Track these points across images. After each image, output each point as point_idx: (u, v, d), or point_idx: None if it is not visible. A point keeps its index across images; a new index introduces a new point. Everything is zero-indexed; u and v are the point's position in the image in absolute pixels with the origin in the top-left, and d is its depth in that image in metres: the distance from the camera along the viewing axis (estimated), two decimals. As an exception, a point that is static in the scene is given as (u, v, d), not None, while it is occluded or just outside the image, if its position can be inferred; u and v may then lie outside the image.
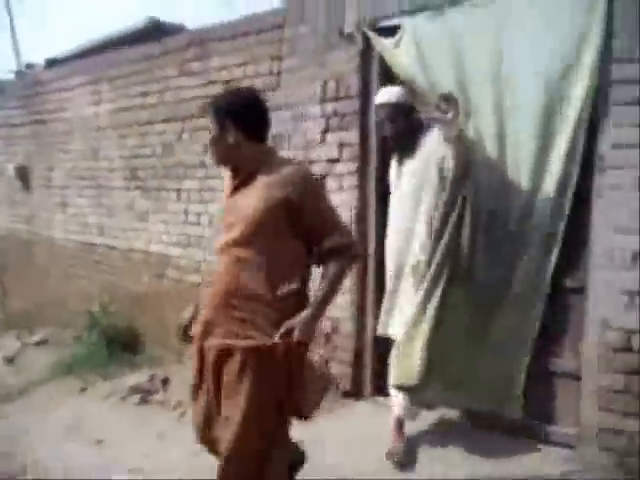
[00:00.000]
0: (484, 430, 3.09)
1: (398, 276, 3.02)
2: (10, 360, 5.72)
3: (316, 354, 3.60)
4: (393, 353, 2.98)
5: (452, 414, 3.28)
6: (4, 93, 7.41)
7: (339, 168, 3.65)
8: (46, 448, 3.59)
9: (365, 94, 3.49)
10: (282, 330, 2.03)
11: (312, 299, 2.14)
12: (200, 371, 2.22)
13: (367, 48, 3.46)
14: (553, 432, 2.95)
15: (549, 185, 2.84)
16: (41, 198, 6.83)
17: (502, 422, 3.01)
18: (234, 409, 2.04)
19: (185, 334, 3.89)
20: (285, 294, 2.08)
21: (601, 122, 2.70)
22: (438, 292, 2.84)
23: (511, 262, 2.94)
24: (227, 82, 4.24)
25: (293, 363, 2.07)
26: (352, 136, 3.57)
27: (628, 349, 2.63)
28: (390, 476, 2.86)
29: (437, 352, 2.84)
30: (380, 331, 3.15)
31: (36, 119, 6.69)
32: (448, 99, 2.72)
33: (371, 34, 3.39)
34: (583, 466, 2.74)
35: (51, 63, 7.29)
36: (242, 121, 2.12)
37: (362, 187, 3.56)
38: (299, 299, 2.12)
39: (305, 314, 2.07)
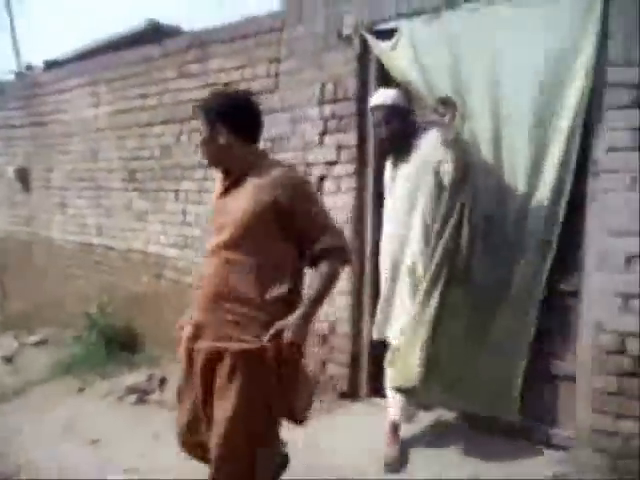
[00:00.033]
0: (481, 432, 3.09)
1: (394, 278, 3.01)
2: (9, 360, 5.72)
3: (312, 356, 3.61)
4: (388, 355, 2.98)
5: (449, 416, 3.29)
6: (4, 94, 7.41)
7: (337, 170, 3.66)
8: (41, 448, 3.58)
9: (363, 96, 3.50)
10: (272, 331, 1.99)
11: (304, 300, 2.11)
12: (188, 373, 2.20)
13: (365, 51, 3.48)
14: (550, 434, 2.96)
15: (543, 193, 2.84)
16: (40, 199, 6.84)
17: (499, 424, 3.02)
18: (223, 412, 2.03)
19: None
20: (275, 297, 2.06)
21: (595, 126, 2.70)
22: (436, 293, 2.84)
23: (508, 265, 2.94)
24: (226, 84, 4.25)
25: (284, 366, 2.04)
26: (350, 138, 3.58)
27: (622, 351, 2.64)
28: (387, 476, 2.86)
29: (435, 353, 2.84)
30: (375, 336, 3.14)
31: (36, 121, 6.70)
32: (446, 102, 2.73)
33: (369, 37, 3.41)
34: (577, 468, 2.74)
35: (50, 65, 7.31)
36: (232, 122, 2.11)
37: (360, 189, 3.57)
38: (290, 301, 2.08)
39: (296, 315, 2.02)
